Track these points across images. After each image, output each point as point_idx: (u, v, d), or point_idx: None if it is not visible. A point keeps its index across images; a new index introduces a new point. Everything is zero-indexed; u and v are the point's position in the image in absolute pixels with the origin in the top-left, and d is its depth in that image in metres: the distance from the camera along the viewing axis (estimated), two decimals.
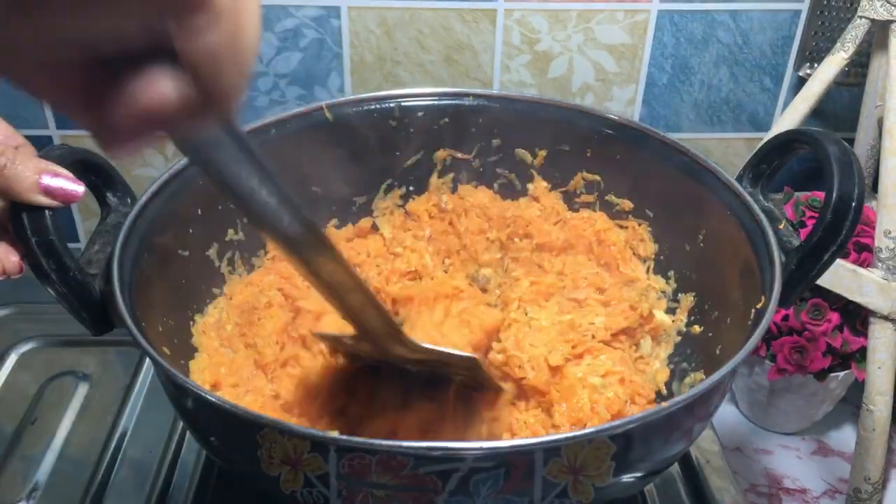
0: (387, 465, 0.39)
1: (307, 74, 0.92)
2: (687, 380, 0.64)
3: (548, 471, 0.43)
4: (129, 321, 0.49)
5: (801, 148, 0.59)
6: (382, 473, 0.40)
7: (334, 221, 0.77)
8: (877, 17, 0.79)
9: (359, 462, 0.39)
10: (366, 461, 0.39)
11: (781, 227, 0.58)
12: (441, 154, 0.77)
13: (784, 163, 0.61)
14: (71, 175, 0.50)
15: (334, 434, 0.39)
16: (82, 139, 0.95)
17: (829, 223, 0.53)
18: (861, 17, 0.80)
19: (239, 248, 0.71)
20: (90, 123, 0.28)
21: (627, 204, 0.74)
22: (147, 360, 0.80)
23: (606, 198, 0.75)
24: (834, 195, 0.52)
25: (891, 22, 0.78)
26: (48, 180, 0.49)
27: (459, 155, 0.77)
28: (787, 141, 0.60)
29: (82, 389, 0.81)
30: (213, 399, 0.43)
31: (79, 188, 0.50)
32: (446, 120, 0.75)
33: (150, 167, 0.97)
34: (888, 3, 0.78)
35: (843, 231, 0.53)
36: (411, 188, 0.79)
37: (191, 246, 0.65)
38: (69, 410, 0.78)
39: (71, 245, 1.03)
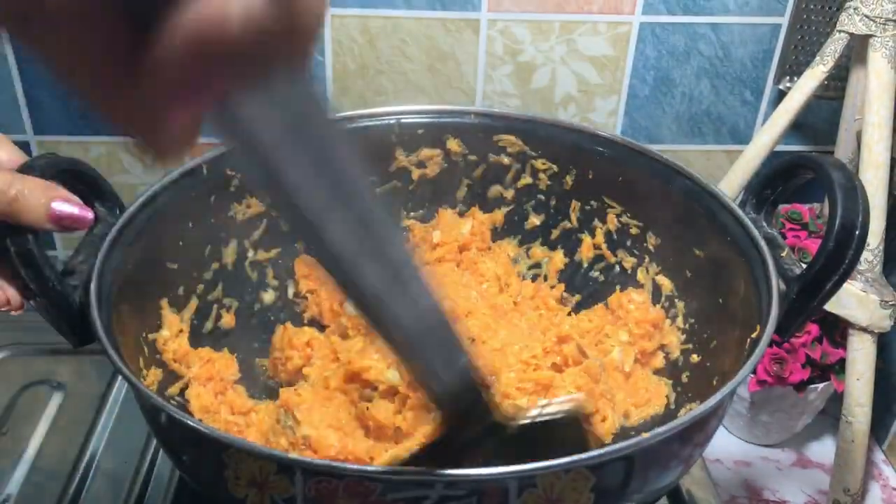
0: (354, 491, 0.38)
1: None
2: (682, 410, 0.63)
3: (522, 501, 0.42)
4: (102, 336, 0.49)
5: (805, 173, 0.57)
6: (350, 498, 0.39)
7: None
8: (856, 32, 0.79)
9: (326, 486, 0.39)
10: (333, 485, 0.38)
11: (783, 254, 0.57)
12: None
13: (788, 188, 0.60)
14: (80, 201, 0.49)
15: (299, 456, 0.39)
16: (61, 145, 0.94)
17: (832, 251, 0.51)
18: (840, 32, 0.80)
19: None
20: (125, 108, 0.21)
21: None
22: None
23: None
24: (837, 222, 0.51)
25: (870, 36, 0.78)
26: (59, 208, 0.48)
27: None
28: (791, 166, 0.59)
29: (56, 399, 0.80)
30: (181, 417, 0.42)
31: (88, 214, 0.50)
32: (447, 137, 0.75)
33: (129, 174, 0.96)
34: (867, 17, 0.78)
35: (846, 260, 0.51)
36: (411, 206, 0.78)
37: (180, 258, 0.65)
38: (42, 421, 0.77)
39: (48, 253, 1.03)
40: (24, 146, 0.94)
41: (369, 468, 0.39)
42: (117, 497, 0.69)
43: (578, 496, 0.42)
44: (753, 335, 0.53)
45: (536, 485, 0.41)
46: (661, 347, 0.69)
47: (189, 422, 0.42)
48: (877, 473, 0.94)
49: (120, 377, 0.82)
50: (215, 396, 0.60)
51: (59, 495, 0.69)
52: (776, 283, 0.54)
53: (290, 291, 0.75)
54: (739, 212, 0.60)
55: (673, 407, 0.65)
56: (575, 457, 0.41)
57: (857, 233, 0.51)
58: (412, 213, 0.79)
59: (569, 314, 0.73)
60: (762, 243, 0.57)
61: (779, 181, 0.60)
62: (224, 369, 0.62)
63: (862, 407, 0.83)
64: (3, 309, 0.50)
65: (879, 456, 0.96)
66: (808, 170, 0.57)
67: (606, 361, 0.66)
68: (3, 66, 0.88)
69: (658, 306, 0.70)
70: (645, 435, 0.43)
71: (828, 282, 0.52)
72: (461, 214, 0.78)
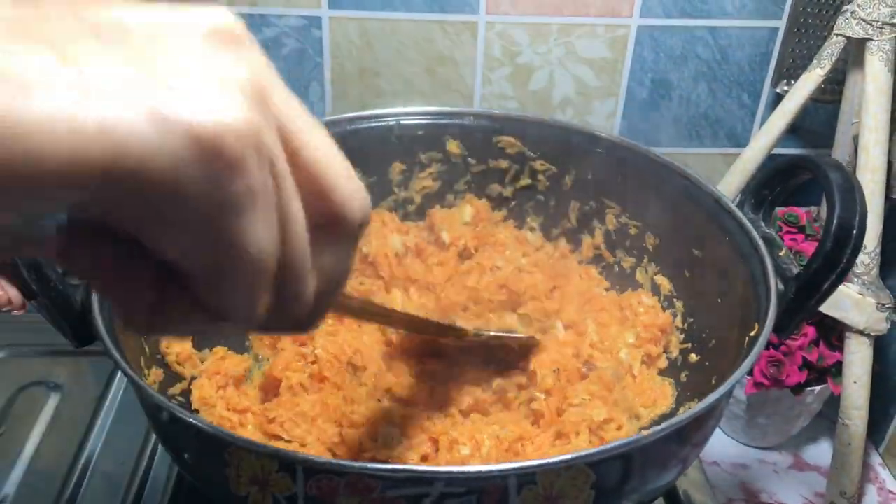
0: (355, 488, 0.38)
1: (287, 84, 0.91)
2: (681, 409, 0.63)
3: (522, 499, 0.41)
4: (104, 335, 0.49)
5: (804, 174, 0.58)
6: (351, 496, 0.39)
7: None
8: (853, 35, 0.79)
9: (327, 484, 0.39)
10: (334, 483, 0.39)
11: (782, 254, 0.57)
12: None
13: (787, 189, 0.60)
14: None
15: (302, 454, 0.39)
16: None
17: (830, 251, 0.51)
18: (837, 35, 0.81)
19: None
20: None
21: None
22: (120, 371, 0.79)
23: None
24: (834, 222, 0.51)
25: (867, 40, 0.79)
26: None
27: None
28: (789, 167, 0.59)
29: (53, 400, 0.79)
30: (183, 415, 0.42)
31: None
32: (447, 138, 0.75)
33: None
34: (864, 21, 0.78)
35: (843, 259, 0.51)
36: (410, 210, 0.78)
37: None
38: (39, 422, 0.77)
39: None
40: None
41: (370, 466, 0.39)
42: (114, 498, 0.69)
43: (578, 493, 0.42)
44: (752, 333, 0.54)
45: (536, 482, 0.41)
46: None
47: (191, 419, 0.42)
48: (873, 476, 0.94)
49: (117, 378, 0.82)
50: (216, 390, 0.60)
51: (57, 496, 0.69)
52: (774, 283, 0.54)
53: None
54: (738, 212, 0.61)
55: (674, 406, 0.65)
56: (574, 454, 0.41)
57: (854, 232, 0.51)
58: (409, 214, 0.79)
59: None
60: (760, 243, 0.58)
61: (777, 182, 0.61)
62: (232, 367, 0.62)
63: (858, 410, 0.83)
64: (4, 309, 0.50)
65: (876, 459, 0.96)
66: (806, 171, 0.57)
67: (615, 363, 0.67)
68: None
69: (667, 312, 0.70)
70: (644, 432, 0.43)
71: (825, 281, 0.52)
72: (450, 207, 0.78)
